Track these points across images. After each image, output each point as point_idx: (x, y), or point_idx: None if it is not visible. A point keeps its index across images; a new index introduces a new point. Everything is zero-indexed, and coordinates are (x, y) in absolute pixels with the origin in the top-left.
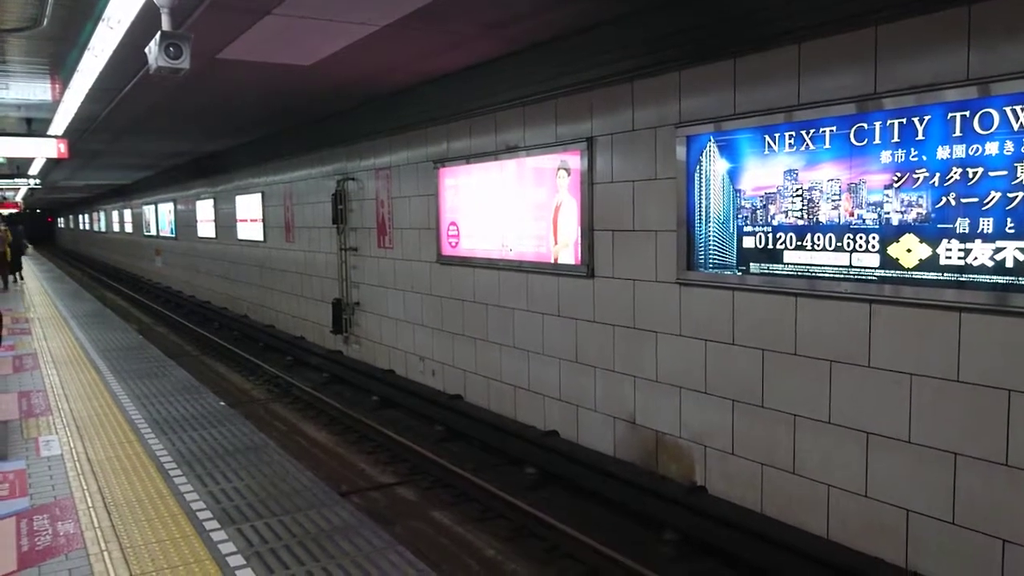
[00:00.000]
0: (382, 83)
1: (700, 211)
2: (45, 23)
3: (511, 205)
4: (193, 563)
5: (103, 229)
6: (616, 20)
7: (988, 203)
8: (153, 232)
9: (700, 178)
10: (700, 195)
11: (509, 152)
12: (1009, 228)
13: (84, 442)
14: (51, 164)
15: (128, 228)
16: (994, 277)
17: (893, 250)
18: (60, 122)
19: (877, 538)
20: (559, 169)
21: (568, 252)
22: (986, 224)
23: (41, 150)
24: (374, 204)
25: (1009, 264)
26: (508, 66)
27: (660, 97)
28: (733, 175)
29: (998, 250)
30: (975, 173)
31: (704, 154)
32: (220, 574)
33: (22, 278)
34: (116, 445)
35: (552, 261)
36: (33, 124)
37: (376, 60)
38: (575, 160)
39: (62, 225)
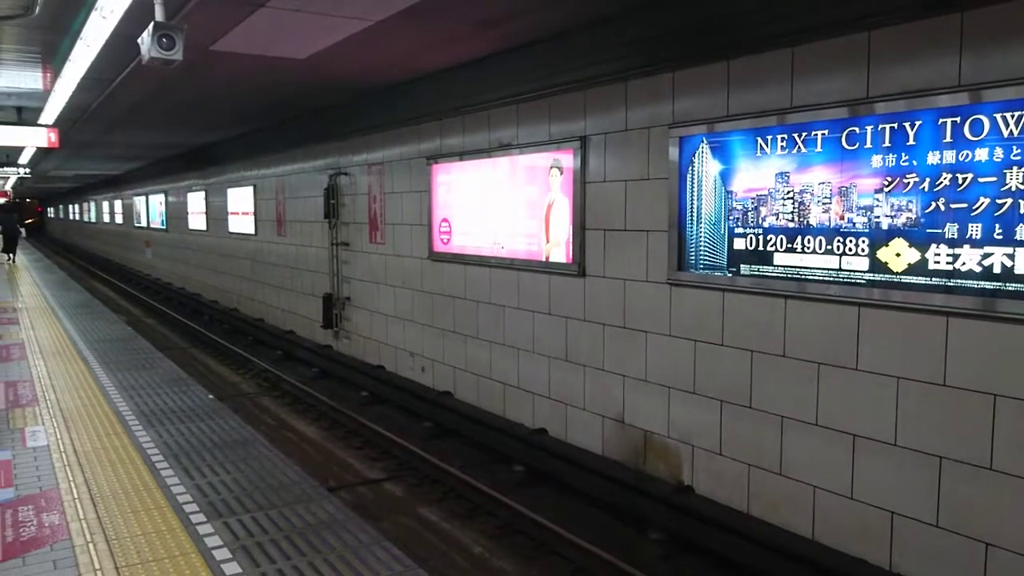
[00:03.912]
0: (376, 78)
1: (692, 212)
2: (37, 11)
3: (503, 203)
4: (179, 555)
5: (93, 220)
6: (610, 20)
7: (977, 209)
8: (143, 224)
9: (692, 179)
10: (692, 196)
11: (502, 150)
12: (997, 234)
13: (71, 433)
14: (41, 153)
15: (119, 219)
16: (982, 282)
17: (882, 254)
18: (51, 111)
19: (862, 540)
20: (552, 167)
21: (560, 251)
22: (975, 230)
23: (31, 139)
24: (366, 199)
25: (997, 270)
26: (502, 64)
27: (653, 97)
28: (725, 176)
29: (986, 255)
30: (964, 179)
31: (696, 155)
32: (206, 567)
33: (14, 262)
34: (103, 436)
35: (543, 259)
36: (24, 113)
37: (370, 55)
38: (568, 159)
39: (52, 215)
